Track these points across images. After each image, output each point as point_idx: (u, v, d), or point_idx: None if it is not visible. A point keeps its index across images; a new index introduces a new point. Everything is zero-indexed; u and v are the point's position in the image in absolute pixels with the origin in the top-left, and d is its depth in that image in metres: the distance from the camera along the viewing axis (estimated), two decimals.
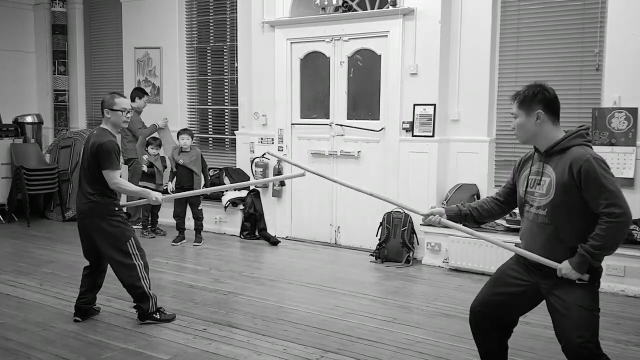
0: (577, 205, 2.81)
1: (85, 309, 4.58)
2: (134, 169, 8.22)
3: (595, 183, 2.74)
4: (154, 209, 7.68)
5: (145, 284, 4.40)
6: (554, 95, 2.97)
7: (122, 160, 8.49)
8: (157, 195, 4.46)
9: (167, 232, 7.76)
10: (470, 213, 3.24)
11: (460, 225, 3.28)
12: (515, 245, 3.11)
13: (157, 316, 4.47)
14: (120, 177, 4.41)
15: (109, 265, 4.53)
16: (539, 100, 2.93)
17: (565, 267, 2.81)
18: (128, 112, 4.45)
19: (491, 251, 5.87)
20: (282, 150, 7.44)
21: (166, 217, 8.00)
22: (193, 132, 7.82)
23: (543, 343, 4.18)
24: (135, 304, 4.48)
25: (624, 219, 2.75)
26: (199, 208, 7.38)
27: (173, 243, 7.28)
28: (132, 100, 8.16)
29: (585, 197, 2.78)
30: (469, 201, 6.24)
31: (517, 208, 3.11)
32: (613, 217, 2.73)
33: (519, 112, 2.97)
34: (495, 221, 6.01)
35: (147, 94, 8.34)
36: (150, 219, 7.77)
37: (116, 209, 4.38)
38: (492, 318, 3.12)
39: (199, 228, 7.38)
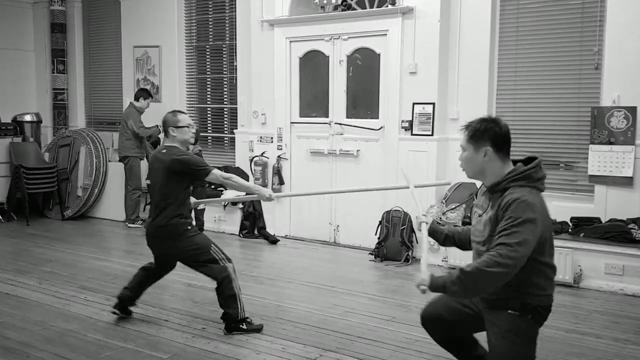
0: None
1: (128, 304, 4.55)
2: (130, 167, 8.22)
3: (510, 221, 2.61)
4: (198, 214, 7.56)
5: (236, 286, 4.26)
6: (505, 132, 2.81)
7: (117, 157, 8.53)
8: (271, 192, 4.44)
9: None
10: (449, 237, 3.18)
11: (424, 243, 3.09)
12: None
13: (244, 326, 4.27)
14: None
15: (103, 268, 4.52)
16: (488, 136, 2.78)
17: (428, 275, 2.71)
18: (192, 127, 4.45)
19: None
20: (281, 149, 7.44)
21: None
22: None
23: (542, 342, 4.15)
24: (223, 314, 4.30)
25: (505, 269, 2.56)
26: (199, 208, 7.40)
27: None
28: (137, 99, 8.22)
29: (498, 227, 2.66)
30: (468, 200, 6.28)
31: None
32: (495, 255, 2.57)
33: (467, 146, 2.85)
34: None
35: (151, 95, 8.36)
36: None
37: (189, 227, 4.29)
38: (443, 331, 3.14)
39: (200, 228, 7.41)
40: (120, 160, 8.45)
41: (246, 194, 4.60)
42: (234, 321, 4.25)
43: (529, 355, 2.80)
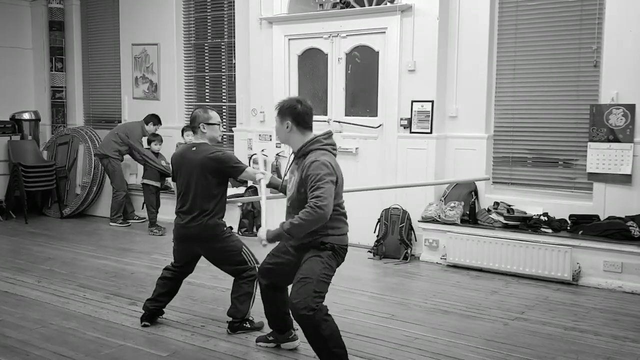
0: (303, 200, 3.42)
1: (155, 314, 4.45)
2: (112, 169, 8.20)
3: (311, 178, 3.37)
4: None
5: (255, 286, 4.26)
6: (304, 110, 3.56)
7: (93, 152, 8.58)
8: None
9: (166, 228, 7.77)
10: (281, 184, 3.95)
11: (261, 190, 4.09)
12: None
13: (248, 325, 4.30)
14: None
15: (100, 266, 4.48)
16: (289, 112, 3.55)
17: (261, 230, 3.56)
18: (221, 125, 4.40)
19: (489, 247, 5.88)
20: (279, 147, 7.44)
21: (165, 214, 8.01)
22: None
23: (541, 340, 4.19)
24: (230, 310, 4.29)
25: (319, 214, 3.33)
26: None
27: None
28: (146, 123, 8.18)
29: (306, 190, 3.40)
30: (467, 198, 6.28)
31: None
32: (310, 207, 3.33)
33: (277, 119, 3.62)
34: (493, 217, 6.03)
35: (161, 123, 8.28)
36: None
37: (224, 228, 4.29)
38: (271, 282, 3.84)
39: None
40: (97, 156, 8.43)
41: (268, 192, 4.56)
42: (240, 318, 4.24)
43: (326, 273, 3.58)
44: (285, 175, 3.79)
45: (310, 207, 3.32)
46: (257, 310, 4.47)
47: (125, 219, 8.35)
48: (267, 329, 4.31)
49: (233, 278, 4.34)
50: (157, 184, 7.85)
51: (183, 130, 7.65)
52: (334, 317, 4.60)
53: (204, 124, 4.27)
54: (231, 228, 4.48)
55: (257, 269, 4.20)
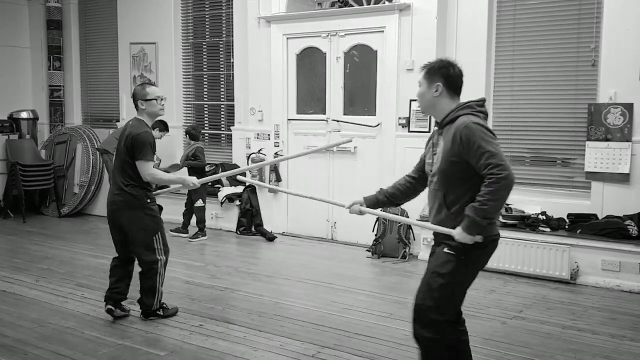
0: (462, 171, 2.88)
1: (117, 298, 4.53)
2: (109, 160, 8.19)
3: (475, 146, 2.80)
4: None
5: (159, 281, 4.41)
6: (456, 73, 3.06)
7: (94, 148, 8.53)
8: (193, 180, 4.42)
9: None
10: (386, 198, 3.38)
11: (376, 211, 3.46)
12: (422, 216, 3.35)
13: (161, 312, 4.49)
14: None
15: (98, 265, 4.53)
16: (441, 73, 3.02)
17: (457, 233, 2.86)
18: (162, 99, 4.43)
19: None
20: (278, 146, 7.43)
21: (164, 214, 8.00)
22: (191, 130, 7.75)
23: (539, 338, 4.19)
24: (139, 299, 4.47)
25: (506, 175, 2.74)
26: (196, 205, 7.41)
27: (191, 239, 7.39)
28: (153, 128, 8.07)
29: (469, 161, 2.84)
30: None
31: None
32: (494, 175, 2.75)
33: (422, 82, 3.07)
34: None
35: (167, 130, 8.21)
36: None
37: (149, 200, 4.34)
38: None
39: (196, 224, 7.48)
40: (99, 151, 8.42)
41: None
42: (148, 310, 4.44)
43: (456, 285, 3.00)
44: (426, 153, 3.20)
45: (494, 175, 2.74)
46: (254, 309, 4.47)
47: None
48: (264, 327, 4.32)
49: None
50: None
51: (153, 127, 7.68)
52: (332, 316, 4.62)
53: (141, 100, 4.38)
54: (161, 208, 4.65)
55: (159, 261, 4.37)
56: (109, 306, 4.49)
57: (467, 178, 2.88)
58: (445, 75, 3.01)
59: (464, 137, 2.83)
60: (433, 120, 3.21)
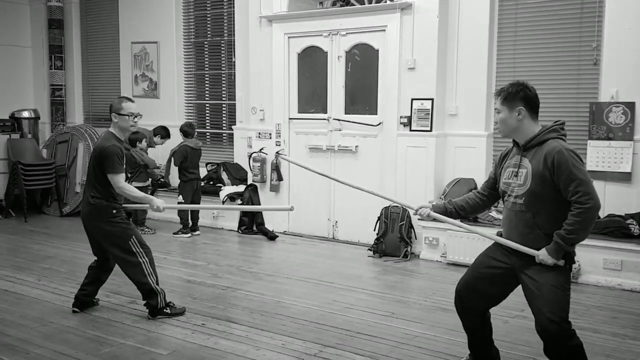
0: (551, 193, 3.02)
1: (83, 301, 4.65)
2: None
3: (567, 172, 2.94)
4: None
5: (152, 280, 4.43)
6: (534, 94, 3.16)
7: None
8: (159, 204, 4.42)
9: (156, 229, 7.79)
10: (455, 210, 3.48)
11: (448, 218, 3.48)
12: (497, 233, 3.37)
13: (168, 310, 4.50)
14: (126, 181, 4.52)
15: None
16: (521, 97, 3.12)
17: (542, 254, 3.03)
18: (135, 116, 4.44)
19: (489, 245, 5.87)
20: (279, 145, 7.44)
21: (164, 213, 8.02)
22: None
23: (538, 337, 4.18)
24: (145, 301, 4.50)
25: (593, 205, 2.93)
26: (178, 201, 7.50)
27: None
28: (155, 134, 8.07)
29: (558, 185, 2.99)
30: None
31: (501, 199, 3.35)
32: (582, 204, 2.92)
33: (502, 108, 3.17)
34: (493, 215, 6.04)
35: (169, 137, 8.18)
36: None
37: (114, 211, 4.37)
38: (475, 297, 3.38)
39: (194, 220, 7.53)
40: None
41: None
42: (155, 309, 4.46)
43: (569, 292, 3.12)
44: (501, 170, 3.30)
45: (582, 204, 2.92)
46: (255, 308, 4.48)
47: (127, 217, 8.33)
48: (266, 326, 4.32)
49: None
50: (148, 184, 7.86)
51: (155, 134, 7.76)
52: (333, 315, 4.63)
53: (115, 113, 4.43)
54: (129, 215, 4.71)
55: (143, 263, 4.40)
56: (74, 308, 4.63)
57: (556, 201, 3.03)
58: (525, 98, 3.13)
59: (556, 162, 2.97)
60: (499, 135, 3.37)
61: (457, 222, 3.58)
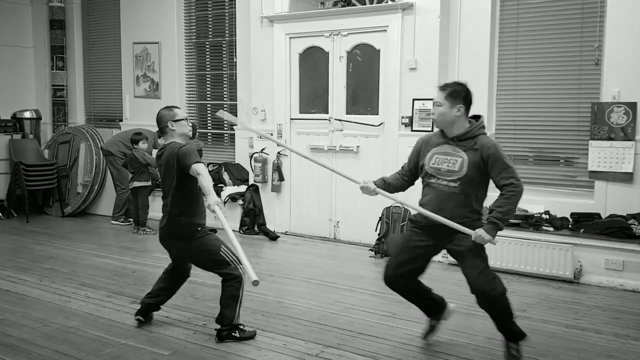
0: (481, 179, 3.62)
1: (150, 309, 4.40)
2: (118, 167, 8.18)
3: (500, 162, 3.54)
4: None
5: (242, 293, 4.13)
6: (472, 95, 3.70)
7: (98, 147, 8.53)
8: (213, 202, 3.87)
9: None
10: (390, 185, 3.95)
11: (387, 193, 3.91)
12: (415, 215, 3.88)
13: (237, 334, 4.09)
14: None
15: (101, 263, 4.41)
16: (463, 96, 3.62)
17: (480, 233, 3.55)
18: (187, 119, 4.29)
19: (490, 246, 5.85)
20: (280, 146, 7.43)
21: (159, 211, 8.02)
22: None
23: (542, 338, 4.19)
24: (218, 317, 4.12)
25: (521, 189, 3.53)
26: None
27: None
28: (159, 137, 8.05)
29: (490, 173, 3.58)
30: None
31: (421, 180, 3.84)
32: (512, 187, 3.50)
33: (444, 102, 3.62)
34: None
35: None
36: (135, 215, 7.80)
37: (199, 228, 4.14)
38: (404, 278, 3.91)
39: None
40: (102, 151, 8.44)
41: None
42: (228, 325, 4.07)
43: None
44: (425, 157, 3.75)
45: (513, 185, 3.50)
46: (257, 308, 4.46)
47: (127, 217, 8.35)
48: (267, 326, 4.32)
49: (217, 276, 4.20)
50: (150, 183, 7.85)
51: (160, 136, 7.65)
52: (335, 315, 4.63)
53: (171, 121, 4.18)
54: (214, 231, 4.41)
55: (240, 269, 4.10)
56: (139, 316, 4.37)
57: (483, 185, 3.66)
58: (466, 98, 3.64)
59: (491, 155, 3.54)
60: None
61: (393, 195, 3.96)
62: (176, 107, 4.33)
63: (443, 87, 3.65)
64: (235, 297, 4.07)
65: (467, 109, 3.65)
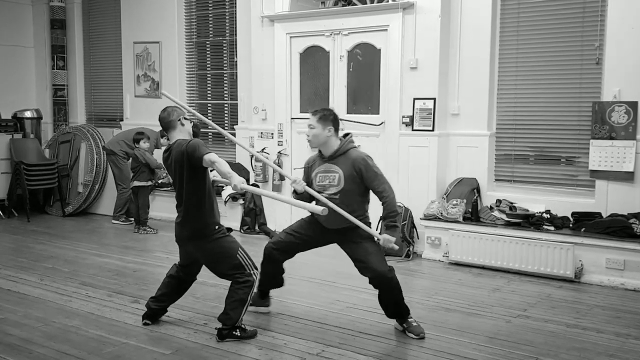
0: (357, 189, 4.19)
1: (157, 312, 4.39)
2: (120, 167, 8.18)
3: (371, 173, 4.16)
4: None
5: (251, 296, 4.09)
6: (338, 118, 4.32)
7: (102, 144, 8.53)
8: (238, 182, 3.82)
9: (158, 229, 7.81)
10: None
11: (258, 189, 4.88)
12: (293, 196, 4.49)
13: (238, 333, 4.06)
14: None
15: (101, 261, 4.39)
16: (332, 119, 4.23)
17: (386, 237, 4.13)
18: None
19: (491, 245, 5.87)
20: (281, 145, 7.43)
21: (159, 211, 8.03)
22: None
23: (543, 337, 4.19)
24: (222, 315, 4.10)
25: (392, 193, 4.17)
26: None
27: None
28: (162, 136, 8.03)
29: (366, 183, 4.17)
30: (469, 196, 6.27)
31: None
32: (387, 193, 4.14)
33: (317, 125, 4.21)
34: (495, 215, 6.03)
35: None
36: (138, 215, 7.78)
37: (216, 227, 4.09)
38: (282, 255, 4.51)
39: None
40: (105, 150, 8.43)
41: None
42: (230, 325, 4.05)
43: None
44: (312, 175, 4.34)
45: (387, 193, 4.14)
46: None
47: (128, 216, 8.36)
48: (268, 326, 4.32)
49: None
50: (151, 183, 7.84)
51: (162, 135, 7.67)
52: (336, 314, 4.62)
53: (182, 118, 4.15)
54: (230, 230, 4.40)
55: (254, 275, 4.07)
56: (146, 320, 4.37)
57: (360, 193, 4.22)
58: (334, 120, 4.24)
59: (363, 167, 4.15)
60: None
61: (269, 192, 4.71)
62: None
63: (314, 112, 4.25)
64: (244, 301, 4.03)
65: (336, 129, 4.23)
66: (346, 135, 4.33)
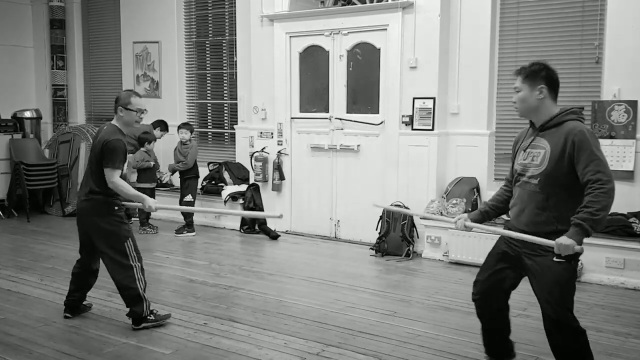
0: (567, 176, 2.99)
1: (74, 306, 4.54)
2: None
3: (588, 151, 2.92)
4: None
5: (140, 286, 4.25)
6: (556, 75, 3.14)
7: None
8: (152, 203, 4.22)
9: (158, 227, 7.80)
10: (492, 210, 3.46)
11: (482, 225, 3.44)
12: (505, 220, 3.44)
13: (152, 317, 4.29)
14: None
15: (102, 266, 4.45)
16: (542, 76, 3.10)
17: (561, 240, 2.90)
18: (142, 112, 4.33)
19: (491, 244, 5.84)
20: (281, 144, 7.43)
21: (159, 210, 8.04)
22: (192, 126, 7.83)
23: (543, 336, 4.16)
24: (128, 310, 4.30)
25: (612, 186, 2.88)
26: (184, 200, 7.46)
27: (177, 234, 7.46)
28: (154, 128, 8.02)
29: (576, 165, 2.95)
30: (468, 195, 6.27)
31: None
32: (600, 183, 2.87)
33: (523, 86, 3.13)
34: None
35: (167, 130, 8.19)
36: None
37: (116, 208, 4.25)
38: (492, 299, 3.44)
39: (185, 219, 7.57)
40: None
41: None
42: (140, 318, 4.25)
43: (574, 288, 3.13)
44: (517, 152, 3.27)
45: (602, 183, 2.86)
46: (258, 307, 4.46)
47: (128, 216, 8.34)
48: (268, 325, 4.32)
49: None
50: (153, 185, 7.79)
51: (179, 128, 7.63)
52: (336, 314, 4.63)
53: (122, 107, 4.26)
54: (129, 216, 4.54)
55: (135, 267, 4.25)
56: (66, 313, 4.52)
57: (571, 184, 2.99)
58: (547, 77, 3.10)
59: (577, 141, 2.94)
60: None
61: (495, 228, 3.57)
62: (137, 95, 4.36)
63: (519, 71, 3.18)
64: (137, 295, 4.24)
65: (552, 90, 3.12)
66: (576, 106, 3.25)
